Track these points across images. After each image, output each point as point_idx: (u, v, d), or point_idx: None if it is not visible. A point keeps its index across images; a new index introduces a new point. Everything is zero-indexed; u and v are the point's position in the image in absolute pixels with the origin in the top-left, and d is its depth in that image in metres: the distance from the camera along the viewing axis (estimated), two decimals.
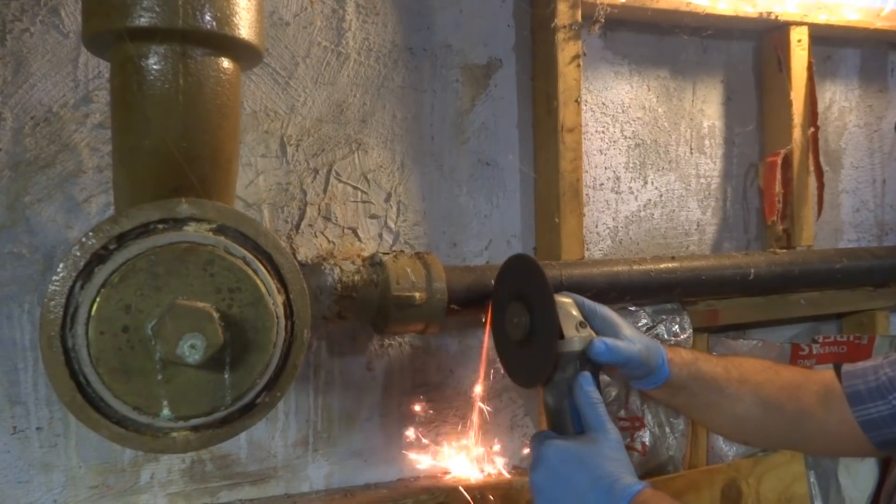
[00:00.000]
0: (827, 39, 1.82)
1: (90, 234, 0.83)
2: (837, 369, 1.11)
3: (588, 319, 1.03)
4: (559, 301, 1.01)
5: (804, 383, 1.11)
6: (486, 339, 1.17)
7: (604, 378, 1.24)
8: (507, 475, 1.38)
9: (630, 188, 1.64)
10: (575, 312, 1.02)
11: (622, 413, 1.52)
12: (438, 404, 1.43)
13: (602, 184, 1.61)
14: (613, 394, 1.52)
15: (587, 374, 0.97)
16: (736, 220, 1.78)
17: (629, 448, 1.52)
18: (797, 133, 1.70)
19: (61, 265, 0.82)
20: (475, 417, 1.45)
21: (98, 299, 0.82)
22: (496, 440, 1.44)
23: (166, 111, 0.89)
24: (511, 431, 1.50)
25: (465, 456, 1.43)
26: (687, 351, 1.12)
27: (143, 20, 0.85)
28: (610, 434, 0.92)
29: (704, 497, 1.57)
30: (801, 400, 1.09)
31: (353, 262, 1.21)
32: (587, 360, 0.99)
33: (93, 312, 0.82)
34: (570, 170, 1.44)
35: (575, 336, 0.99)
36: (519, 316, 1.04)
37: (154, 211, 0.85)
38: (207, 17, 0.87)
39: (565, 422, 0.98)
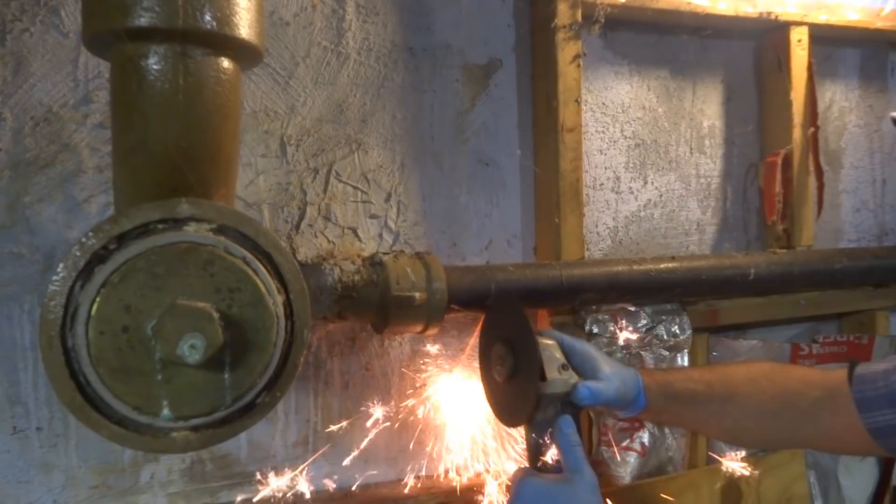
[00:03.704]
0: (827, 39, 1.82)
1: (90, 234, 0.83)
2: (852, 369, 1.09)
3: (568, 357, 1.07)
4: (542, 343, 1.05)
5: (802, 390, 1.10)
6: (479, 340, 1.18)
7: None
8: (505, 475, 1.38)
9: (630, 188, 1.64)
10: (558, 355, 1.05)
11: (621, 414, 1.52)
12: (438, 404, 1.43)
13: (602, 184, 1.61)
14: None
15: (567, 418, 1.01)
16: (736, 220, 1.78)
17: (629, 449, 1.52)
18: (797, 133, 1.70)
19: (61, 265, 0.82)
20: (475, 417, 1.45)
21: (98, 299, 0.82)
22: (495, 440, 1.44)
23: (166, 111, 0.89)
24: (510, 431, 1.50)
25: (465, 456, 1.43)
26: (662, 373, 1.16)
27: (143, 20, 0.85)
28: (585, 477, 0.96)
29: (704, 497, 1.57)
30: (799, 407, 1.10)
31: (353, 262, 1.21)
32: (569, 402, 1.03)
33: (93, 312, 0.82)
34: (570, 170, 1.44)
35: (557, 378, 1.03)
36: (503, 357, 1.06)
37: (154, 211, 0.85)
38: (207, 17, 0.87)
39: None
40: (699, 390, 1.12)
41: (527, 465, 1.06)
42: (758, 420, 1.11)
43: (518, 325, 1.05)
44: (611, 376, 1.06)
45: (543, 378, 1.02)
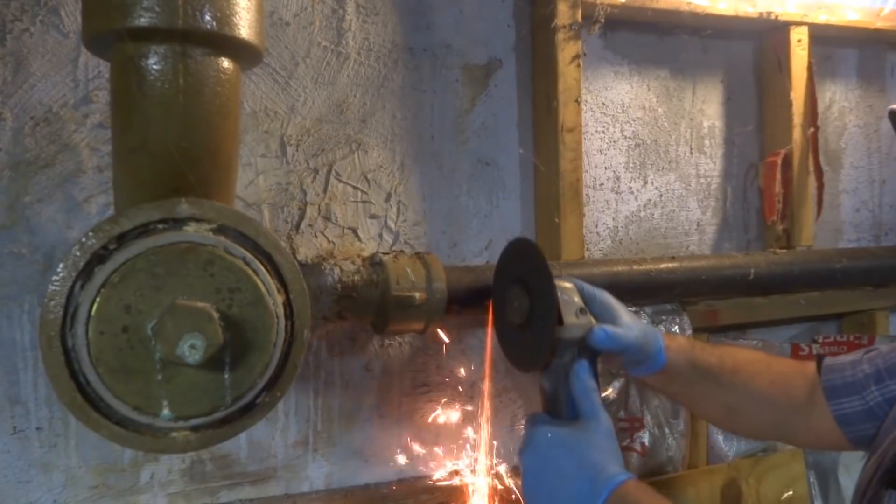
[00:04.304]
0: (827, 39, 1.82)
1: (90, 234, 0.83)
2: (819, 362, 1.11)
3: (587, 304, 1.02)
4: (560, 286, 1.00)
5: (793, 377, 1.11)
6: (489, 338, 1.17)
7: (603, 380, 1.22)
8: (506, 475, 1.38)
9: (630, 188, 1.64)
10: (576, 299, 1.01)
11: (622, 413, 1.52)
12: (438, 404, 1.43)
13: (602, 184, 1.61)
14: (613, 395, 1.52)
15: (584, 362, 0.97)
16: (736, 220, 1.78)
17: (629, 449, 1.52)
18: (797, 133, 1.70)
19: (61, 265, 0.82)
20: (475, 417, 1.45)
21: (98, 299, 0.82)
22: (496, 439, 1.44)
23: (166, 111, 0.89)
24: (511, 431, 1.50)
25: (465, 456, 1.43)
26: (684, 339, 1.14)
27: (143, 20, 0.85)
28: (601, 423, 0.92)
29: (704, 497, 1.57)
30: (791, 394, 1.10)
31: (353, 262, 1.21)
32: (585, 347, 0.98)
33: (93, 312, 0.81)
34: (570, 170, 1.44)
35: (574, 322, 0.98)
36: (519, 299, 1.03)
37: (154, 211, 0.85)
38: (207, 17, 0.87)
39: (560, 407, 0.98)
40: (713, 362, 1.10)
41: (541, 411, 1.01)
42: (756, 402, 1.10)
43: (536, 267, 1.01)
44: (631, 325, 1.03)
45: (560, 322, 0.97)
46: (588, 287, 1.05)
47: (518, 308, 1.03)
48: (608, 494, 0.85)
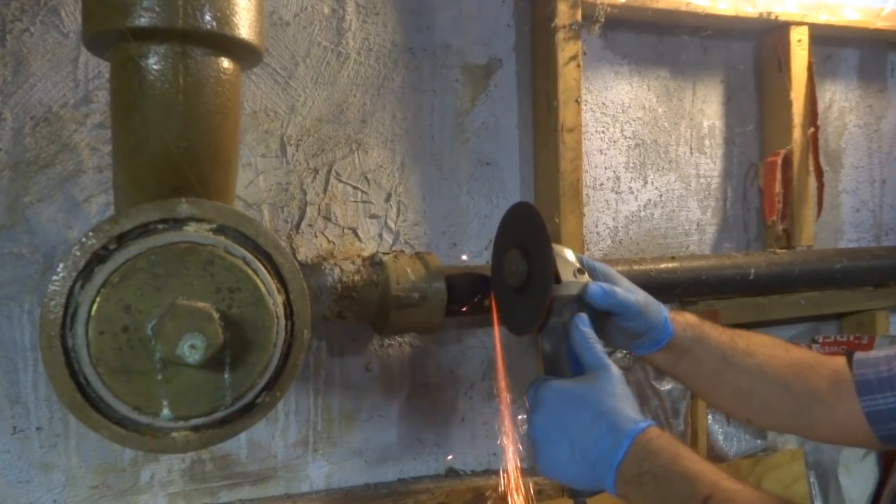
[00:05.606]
0: (827, 39, 1.82)
1: (90, 234, 0.83)
2: (850, 356, 1.06)
3: (589, 274, 1.01)
4: (557, 248, 1.00)
5: (815, 365, 1.06)
6: (496, 335, 1.17)
7: None
8: (506, 474, 1.38)
9: (630, 188, 1.64)
10: (573, 259, 1.00)
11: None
12: (438, 405, 1.43)
13: (602, 184, 1.61)
14: None
15: (583, 316, 0.94)
16: (736, 220, 1.78)
17: None
18: (797, 133, 1.70)
19: (61, 265, 0.82)
20: (475, 417, 1.45)
21: (98, 299, 0.82)
22: (496, 440, 1.44)
23: (166, 111, 0.89)
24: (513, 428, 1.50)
25: (464, 455, 1.43)
26: (692, 315, 1.08)
27: (143, 20, 0.85)
28: (611, 370, 0.88)
29: None
30: (811, 381, 1.05)
31: (353, 262, 1.21)
32: (584, 306, 0.97)
33: (93, 312, 0.81)
34: (570, 170, 1.44)
35: (572, 281, 0.97)
36: (516, 264, 1.02)
37: (154, 211, 0.85)
38: (207, 17, 0.87)
39: (562, 367, 0.95)
40: (724, 340, 1.06)
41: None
42: (772, 385, 1.05)
43: (533, 230, 1.00)
44: (631, 290, 1.00)
45: (558, 281, 0.96)
46: (588, 259, 1.03)
47: (516, 272, 1.02)
48: (630, 443, 0.81)
